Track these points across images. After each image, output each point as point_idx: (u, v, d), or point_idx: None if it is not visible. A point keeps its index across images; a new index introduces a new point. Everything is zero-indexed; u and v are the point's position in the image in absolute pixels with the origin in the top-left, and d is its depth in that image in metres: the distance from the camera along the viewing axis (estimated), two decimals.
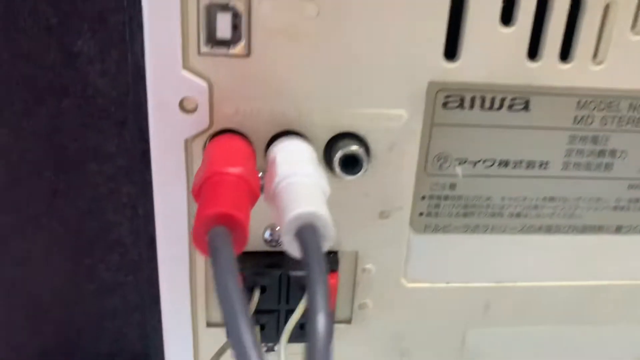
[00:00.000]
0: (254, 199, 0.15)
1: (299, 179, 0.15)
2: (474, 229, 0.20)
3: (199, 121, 0.17)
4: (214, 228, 0.13)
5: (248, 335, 0.10)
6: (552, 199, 0.21)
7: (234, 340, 0.10)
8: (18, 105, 0.22)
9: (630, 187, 0.21)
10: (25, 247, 0.25)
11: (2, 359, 0.27)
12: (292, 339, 0.19)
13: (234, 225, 0.13)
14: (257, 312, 0.19)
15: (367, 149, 0.18)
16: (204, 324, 0.20)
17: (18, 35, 0.22)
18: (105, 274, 0.26)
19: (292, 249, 0.13)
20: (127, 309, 0.27)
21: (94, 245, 0.25)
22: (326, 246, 0.13)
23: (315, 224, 0.13)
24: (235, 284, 0.11)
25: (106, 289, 0.26)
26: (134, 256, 0.25)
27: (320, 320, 0.11)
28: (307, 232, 0.13)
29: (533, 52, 0.18)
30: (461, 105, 0.19)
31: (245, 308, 0.11)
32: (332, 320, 0.12)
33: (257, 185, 0.15)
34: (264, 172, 0.17)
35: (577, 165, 0.20)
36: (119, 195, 0.24)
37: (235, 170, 0.15)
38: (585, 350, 0.23)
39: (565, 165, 0.20)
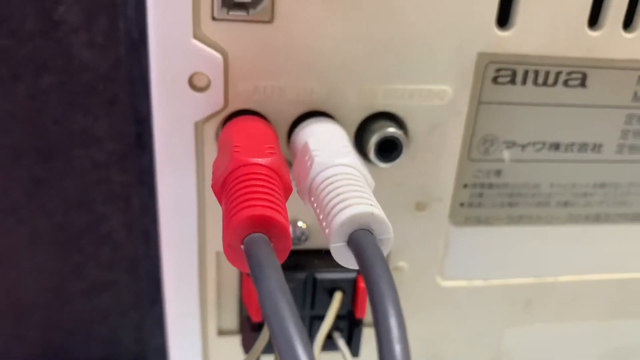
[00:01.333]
0: (287, 195, 0.12)
1: (342, 170, 0.12)
2: (518, 220, 0.19)
3: (212, 101, 0.15)
4: (252, 236, 0.10)
5: None
6: (602, 185, 0.19)
7: None
8: None
9: None
10: (5, 243, 0.23)
11: None
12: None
13: (275, 231, 0.10)
14: None
15: (405, 132, 0.16)
16: (215, 332, 0.18)
17: None
18: (96, 272, 0.24)
19: (343, 257, 0.11)
20: (121, 310, 0.25)
21: (83, 240, 0.23)
22: (385, 252, 0.11)
23: (371, 227, 0.11)
24: (289, 306, 0.09)
25: (97, 288, 0.24)
26: (127, 252, 0.23)
27: (398, 351, 0.09)
28: (364, 238, 0.10)
29: (594, 19, 0.16)
30: (512, 80, 0.16)
31: (305, 337, 0.08)
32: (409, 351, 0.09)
33: (289, 178, 0.13)
34: (290, 160, 0.15)
35: (632, 148, 0.18)
36: (110, 184, 0.22)
37: (264, 161, 0.12)
38: (631, 346, 0.21)
39: (620, 148, 0.18)
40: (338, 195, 0.11)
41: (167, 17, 0.14)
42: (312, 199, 0.12)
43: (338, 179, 0.12)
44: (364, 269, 0.10)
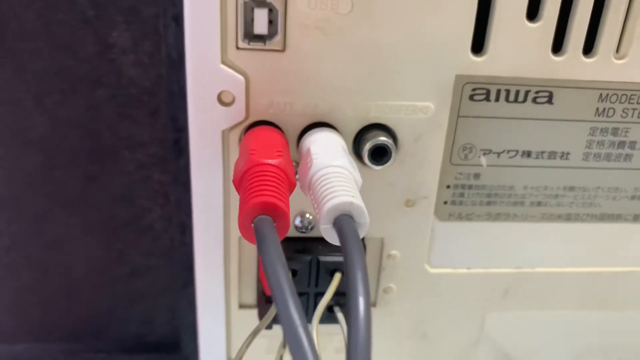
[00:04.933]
0: (291, 189, 0.16)
1: (334, 170, 0.16)
2: (496, 217, 0.21)
3: (236, 113, 0.18)
4: (260, 217, 0.13)
5: (297, 313, 0.11)
6: (572, 188, 0.21)
7: (284, 316, 0.11)
8: (56, 94, 0.23)
9: None
10: (60, 231, 0.26)
11: (36, 338, 0.28)
12: (321, 320, 0.20)
13: (277, 214, 0.14)
14: None
15: (394, 140, 0.19)
16: (237, 305, 0.21)
17: (57, 28, 0.22)
18: (136, 258, 0.27)
19: (330, 236, 0.14)
20: (157, 292, 0.27)
21: (126, 230, 0.26)
22: (362, 233, 0.14)
23: (351, 213, 0.14)
24: (283, 267, 0.12)
25: (137, 273, 0.27)
26: (164, 241, 0.26)
27: (361, 302, 0.12)
28: (344, 221, 0.14)
29: (558, 46, 0.19)
30: (487, 97, 0.19)
31: (293, 288, 0.12)
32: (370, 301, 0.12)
33: (293, 176, 0.16)
34: (298, 161, 0.18)
35: (597, 156, 0.21)
36: (151, 182, 0.25)
37: (274, 161, 0.15)
38: (603, 334, 0.24)
39: (586, 156, 0.21)
40: (328, 188, 0.15)
41: (201, 46, 0.17)
42: (310, 192, 0.16)
43: (330, 177, 0.15)
44: (342, 243, 0.13)
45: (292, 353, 0.11)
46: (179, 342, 0.28)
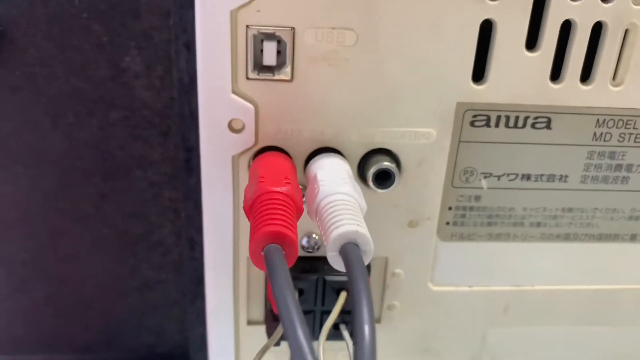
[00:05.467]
0: (299, 214, 0.16)
1: (340, 197, 0.16)
2: (497, 237, 0.22)
3: (246, 140, 0.19)
4: (269, 246, 0.14)
5: (306, 341, 0.12)
6: (570, 209, 0.22)
7: (293, 345, 0.12)
8: (71, 116, 0.24)
9: None
10: (75, 246, 0.26)
11: (51, 349, 0.29)
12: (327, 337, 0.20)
13: (286, 243, 0.14)
14: None
15: (398, 164, 0.20)
16: (245, 322, 0.22)
17: (72, 52, 0.23)
18: (148, 272, 0.27)
19: (337, 263, 0.15)
20: (167, 305, 0.28)
21: (138, 245, 0.27)
22: (367, 260, 0.15)
23: (357, 241, 0.15)
24: (292, 295, 0.13)
25: (148, 286, 0.27)
26: (174, 256, 0.27)
27: (367, 330, 0.13)
28: (350, 248, 0.14)
29: (556, 74, 0.19)
30: (487, 123, 0.20)
31: (301, 314, 0.12)
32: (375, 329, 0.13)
33: (301, 202, 0.17)
34: (305, 185, 0.19)
35: (594, 179, 0.21)
36: (162, 199, 0.25)
37: (283, 189, 0.16)
38: (600, 350, 0.25)
39: (584, 179, 0.21)
40: (334, 217, 0.15)
41: (212, 76, 0.18)
42: (317, 218, 0.16)
43: (336, 204, 0.16)
44: (348, 270, 0.14)
45: None
46: (188, 353, 0.29)
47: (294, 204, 0.16)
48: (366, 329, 0.13)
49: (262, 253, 0.14)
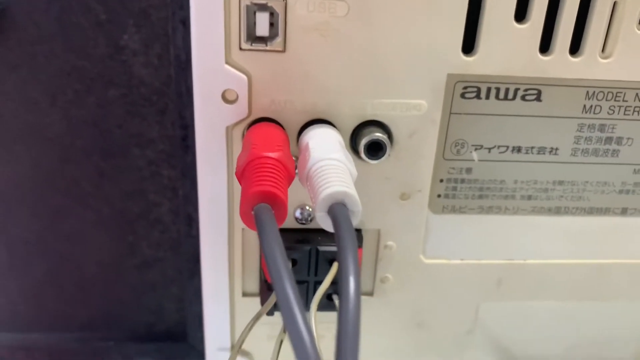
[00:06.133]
0: (290, 180, 0.17)
1: (330, 162, 0.17)
2: (488, 210, 0.22)
3: (239, 110, 0.19)
4: (259, 205, 0.14)
5: (293, 292, 0.12)
6: (561, 182, 0.22)
7: (281, 296, 0.12)
8: (70, 94, 0.24)
9: (636, 171, 0.22)
10: (74, 225, 0.27)
11: (51, 327, 0.29)
12: (319, 307, 0.21)
13: (276, 203, 0.15)
14: None
15: (389, 136, 0.20)
16: (240, 294, 0.22)
17: (71, 31, 0.23)
18: (146, 250, 0.27)
19: (325, 223, 0.15)
20: (166, 283, 0.28)
21: (137, 223, 0.27)
22: (355, 221, 0.15)
23: (345, 201, 0.15)
24: (281, 250, 0.13)
25: (147, 264, 0.28)
26: (172, 234, 0.27)
27: (352, 281, 0.13)
28: (338, 208, 0.15)
29: (545, 46, 0.20)
30: (478, 95, 0.20)
31: (289, 270, 0.13)
32: (360, 282, 0.13)
33: (292, 168, 0.17)
34: (297, 156, 0.19)
35: (585, 152, 0.22)
36: (160, 177, 0.26)
37: (274, 154, 0.16)
38: (591, 324, 0.25)
39: (574, 151, 0.22)
40: (323, 178, 0.16)
41: (206, 48, 0.18)
42: (308, 183, 0.17)
43: (326, 168, 0.16)
44: (336, 228, 0.14)
45: (289, 330, 0.12)
46: (186, 330, 0.29)
47: (285, 169, 0.16)
48: (351, 280, 0.13)
49: (252, 212, 0.15)
